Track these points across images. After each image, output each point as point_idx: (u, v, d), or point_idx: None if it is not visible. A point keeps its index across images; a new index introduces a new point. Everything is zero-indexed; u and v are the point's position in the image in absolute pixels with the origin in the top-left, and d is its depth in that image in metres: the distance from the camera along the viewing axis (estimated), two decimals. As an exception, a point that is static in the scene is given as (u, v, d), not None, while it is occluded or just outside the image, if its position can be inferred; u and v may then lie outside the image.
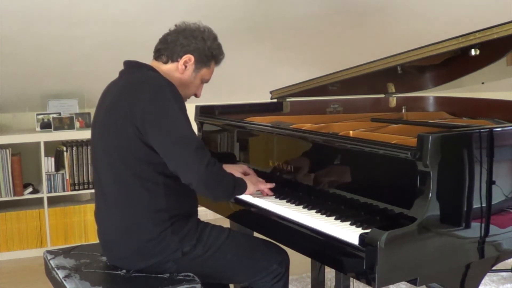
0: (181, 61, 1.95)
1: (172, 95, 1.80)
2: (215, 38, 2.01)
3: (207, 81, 2.06)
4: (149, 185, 1.83)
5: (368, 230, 1.54)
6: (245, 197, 2.06)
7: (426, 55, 1.94)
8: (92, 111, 2.08)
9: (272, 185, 2.07)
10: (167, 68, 1.96)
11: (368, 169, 1.77)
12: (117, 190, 1.86)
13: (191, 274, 1.86)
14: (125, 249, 1.87)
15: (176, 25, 2.00)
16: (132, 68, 1.97)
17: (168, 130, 1.78)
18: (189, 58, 1.95)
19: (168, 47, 1.95)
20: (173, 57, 1.95)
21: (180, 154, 1.78)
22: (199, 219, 1.97)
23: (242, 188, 1.97)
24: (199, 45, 1.96)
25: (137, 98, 1.80)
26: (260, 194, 2.07)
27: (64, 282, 1.84)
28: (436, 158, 1.54)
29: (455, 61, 2.22)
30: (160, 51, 1.97)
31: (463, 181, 1.61)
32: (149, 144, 1.80)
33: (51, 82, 3.62)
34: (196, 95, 2.08)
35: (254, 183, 2.04)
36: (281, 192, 2.03)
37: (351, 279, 2.52)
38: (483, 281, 1.82)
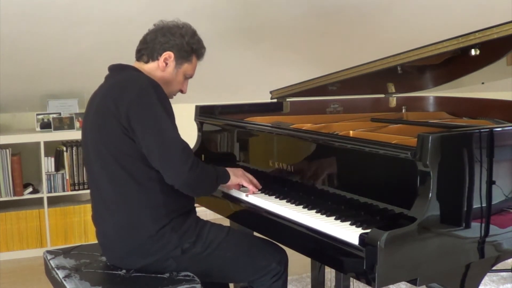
0: (161, 59, 1.96)
1: (157, 95, 1.81)
2: (194, 33, 2.02)
3: (191, 76, 2.07)
4: (143, 181, 1.84)
5: (368, 230, 1.54)
6: (245, 197, 2.06)
7: (426, 55, 1.94)
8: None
9: (258, 185, 2.08)
10: (149, 68, 1.98)
11: (368, 169, 1.77)
12: (113, 189, 1.87)
13: (191, 274, 1.86)
14: (125, 248, 1.87)
15: (154, 25, 2.01)
16: (116, 70, 1.98)
17: (153, 132, 1.79)
18: (168, 55, 1.96)
19: (148, 46, 1.97)
20: (153, 56, 1.97)
21: (163, 156, 1.80)
22: (198, 217, 1.97)
23: (225, 179, 2.00)
24: (178, 41, 1.97)
25: (123, 97, 1.81)
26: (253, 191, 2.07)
27: (64, 282, 1.84)
28: (436, 158, 1.54)
29: (455, 61, 2.22)
30: (140, 52, 1.99)
31: (463, 181, 1.61)
32: (135, 140, 1.81)
33: (51, 82, 3.62)
34: (181, 91, 2.09)
35: (237, 176, 2.04)
36: (281, 192, 2.03)
37: (351, 279, 2.52)
38: (483, 281, 1.82)
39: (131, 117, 1.79)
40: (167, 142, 1.80)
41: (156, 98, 1.80)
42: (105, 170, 1.87)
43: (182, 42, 1.97)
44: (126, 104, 1.79)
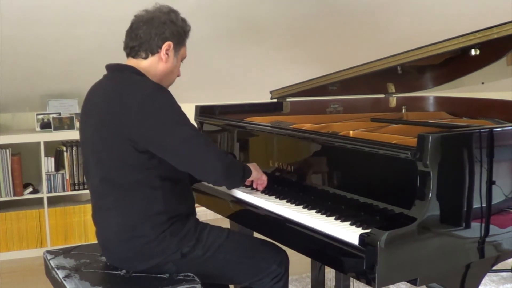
0: (163, 51, 1.91)
1: (164, 99, 1.78)
2: (178, 14, 1.97)
3: (185, 57, 2.04)
4: (146, 190, 1.82)
5: (368, 230, 1.54)
6: (245, 196, 2.06)
7: (426, 55, 1.94)
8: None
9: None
10: (149, 63, 1.92)
11: (368, 169, 1.77)
12: (113, 196, 1.85)
13: (191, 274, 1.85)
14: (124, 252, 1.87)
15: (136, 16, 1.94)
16: (114, 71, 1.94)
17: (172, 138, 1.76)
18: (168, 45, 1.92)
19: (143, 42, 1.90)
20: (153, 50, 1.91)
21: (192, 156, 1.79)
22: (197, 220, 1.97)
23: (249, 172, 2.00)
24: (172, 28, 1.92)
25: (129, 109, 1.76)
26: (255, 192, 2.08)
27: (64, 282, 1.84)
28: (436, 158, 1.54)
29: (455, 61, 2.22)
30: (135, 48, 1.92)
31: (463, 181, 1.61)
32: (144, 150, 1.78)
33: (51, 82, 3.62)
34: (178, 75, 2.06)
35: (257, 170, 2.05)
36: (281, 192, 2.03)
37: (351, 279, 2.52)
38: (483, 281, 1.82)
39: (142, 129, 1.75)
40: (189, 141, 1.78)
41: (164, 102, 1.77)
42: (105, 178, 1.85)
43: (176, 28, 1.93)
44: (134, 117, 1.75)
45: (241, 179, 1.96)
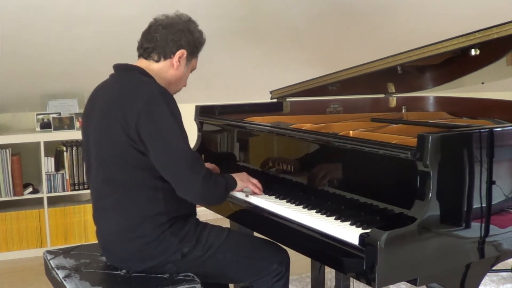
0: (176, 57, 1.93)
1: (166, 105, 1.78)
2: (196, 25, 1.99)
3: (194, 69, 2.06)
4: (146, 191, 1.82)
5: (368, 230, 1.54)
6: (245, 197, 2.06)
7: (426, 55, 1.94)
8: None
9: (261, 189, 2.06)
10: (160, 67, 1.94)
11: (368, 169, 1.77)
12: (114, 196, 1.85)
13: (191, 274, 1.86)
14: (124, 252, 1.87)
15: (155, 19, 1.96)
16: (122, 71, 1.94)
17: (163, 146, 1.77)
18: (182, 53, 1.94)
19: (158, 45, 1.92)
20: (166, 55, 1.93)
21: (176, 171, 1.79)
22: (198, 219, 1.97)
23: (233, 187, 1.99)
24: (188, 38, 1.94)
25: (131, 108, 1.78)
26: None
27: (64, 282, 1.84)
28: (436, 158, 1.54)
29: (455, 61, 2.22)
30: (148, 50, 1.93)
31: (463, 181, 1.61)
32: (143, 152, 1.79)
33: (51, 82, 3.62)
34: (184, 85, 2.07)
35: (243, 181, 2.03)
36: (281, 192, 2.03)
37: (351, 279, 2.52)
38: (483, 281, 1.82)
39: (140, 129, 1.76)
40: (178, 155, 1.78)
41: (166, 108, 1.77)
42: (107, 178, 1.85)
43: (192, 38, 1.96)
44: (135, 116, 1.76)
45: (221, 200, 1.95)
